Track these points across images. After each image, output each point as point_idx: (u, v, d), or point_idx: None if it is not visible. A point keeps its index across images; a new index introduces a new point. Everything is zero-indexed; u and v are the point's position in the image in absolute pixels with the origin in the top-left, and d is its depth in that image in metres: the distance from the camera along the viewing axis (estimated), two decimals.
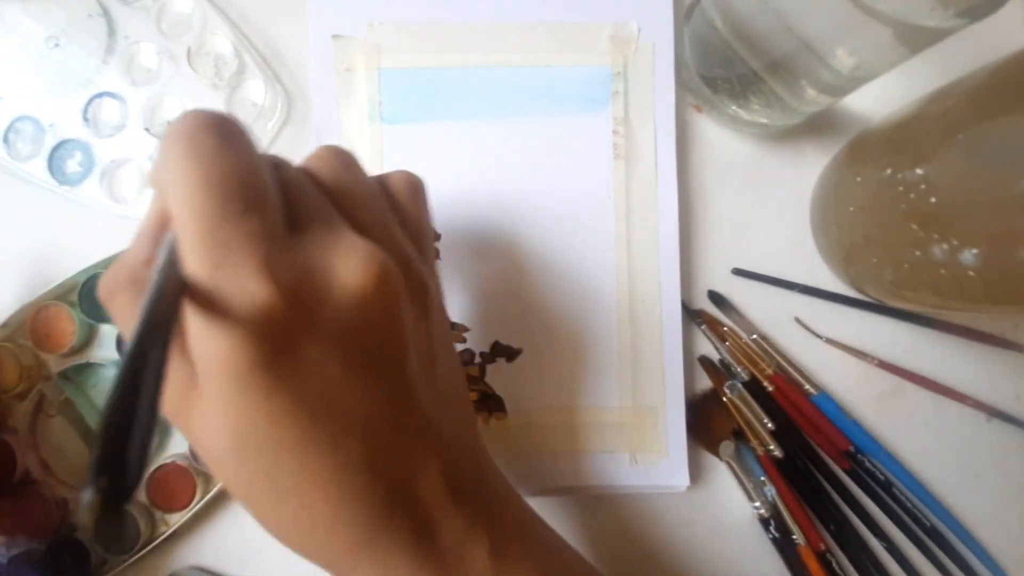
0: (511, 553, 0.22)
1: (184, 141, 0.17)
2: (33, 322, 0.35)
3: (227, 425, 0.18)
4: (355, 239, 0.19)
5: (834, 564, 0.35)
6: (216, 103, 0.36)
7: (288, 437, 0.18)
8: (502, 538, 0.22)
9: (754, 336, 0.37)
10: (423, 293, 0.22)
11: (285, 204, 0.19)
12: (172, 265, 0.17)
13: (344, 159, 0.22)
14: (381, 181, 0.25)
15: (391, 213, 0.23)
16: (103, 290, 0.19)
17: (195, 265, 0.17)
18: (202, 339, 0.17)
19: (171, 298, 0.16)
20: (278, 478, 0.19)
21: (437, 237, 0.36)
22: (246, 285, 0.17)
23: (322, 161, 0.22)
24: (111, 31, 0.36)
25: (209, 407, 0.18)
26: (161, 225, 0.20)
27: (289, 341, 0.17)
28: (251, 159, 0.18)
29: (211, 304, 0.17)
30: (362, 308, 0.19)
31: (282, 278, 0.17)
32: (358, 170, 0.23)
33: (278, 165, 0.20)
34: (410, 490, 0.20)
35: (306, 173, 0.21)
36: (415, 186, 0.26)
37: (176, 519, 0.34)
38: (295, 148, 0.37)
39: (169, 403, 0.19)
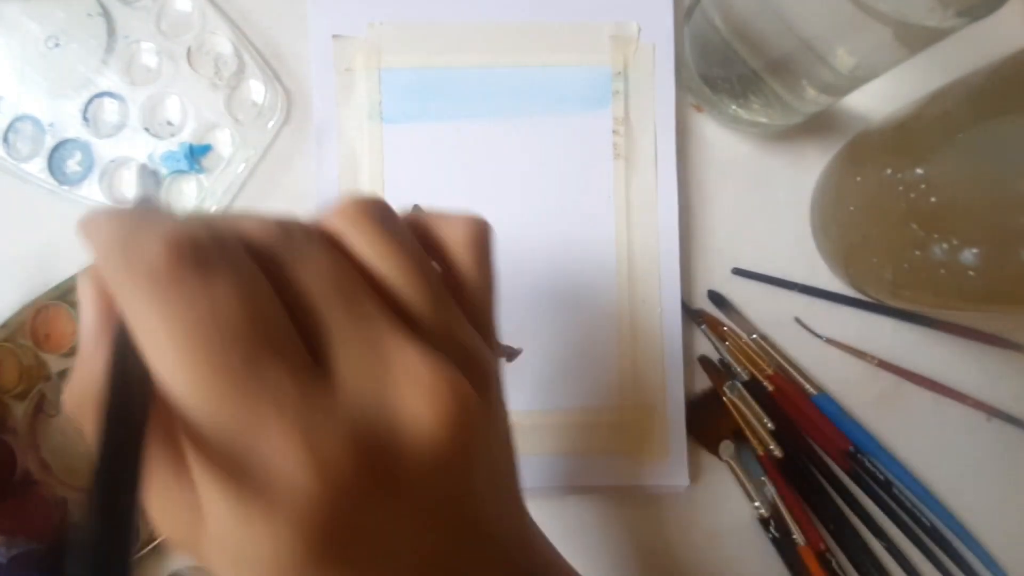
0: None
1: (153, 287, 0.13)
2: (33, 322, 0.35)
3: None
4: (413, 358, 0.15)
5: (834, 564, 0.35)
6: (216, 102, 0.36)
7: None
8: None
9: (754, 336, 0.37)
10: (487, 388, 0.17)
11: (308, 311, 0.15)
12: (130, 363, 0.13)
13: (380, 219, 0.16)
14: (434, 235, 0.19)
15: (446, 289, 0.18)
16: (71, 409, 0.16)
17: (203, 424, 0.13)
18: (225, 518, 0.13)
19: (138, 404, 0.13)
20: None
21: None
22: (281, 463, 0.13)
23: (352, 225, 0.16)
24: (111, 31, 0.36)
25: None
26: (106, 318, 0.15)
27: (348, 519, 0.14)
28: (246, 286, 0.14)
29: (232, 474, 0.13)
30: (435, 457, 0.15)
31: (328, 447, 0.13)
32: (400, 233, 0.17)
33: (280, 257, 0.15)
34: None
35: (329, 252, 0.16)
36: (481, 241, 0.19)
37: None
38: (295, 148, 0.37)
39: (175, 533, 0.15)
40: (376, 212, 0.17)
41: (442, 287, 0.17)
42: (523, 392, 0.35)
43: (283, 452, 0.13)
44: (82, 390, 0.15)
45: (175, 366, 0.13)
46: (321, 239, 0.16)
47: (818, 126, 0.38)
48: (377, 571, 0.15)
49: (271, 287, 0.14)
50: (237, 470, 0.13)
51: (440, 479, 0.15)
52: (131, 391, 0.13)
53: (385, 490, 0.14)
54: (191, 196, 0.36)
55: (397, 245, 0.16)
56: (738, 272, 0.38)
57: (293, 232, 0.16)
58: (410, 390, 0.14)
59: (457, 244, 0.19)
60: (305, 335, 0.14)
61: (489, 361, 0.18)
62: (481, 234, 0.19)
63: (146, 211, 0.15)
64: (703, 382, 0.38)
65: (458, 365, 0.15)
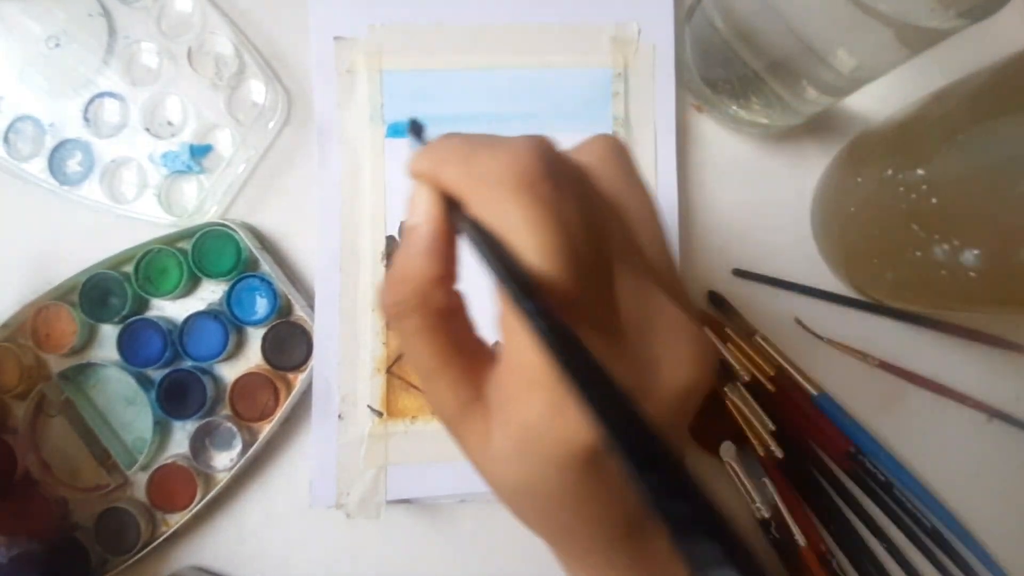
0: None
1: (527, 192, 0.15)
2: (34, 322, 0.35)
3: (525, 477, 0.16)
4: (683, 320, 0.17)
5: (835, 565, 0.35)
6: (216, 103, 0.36)
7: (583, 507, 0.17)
8: None
9: (754, 337, 0.37)
10: None
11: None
12: (503, 257, 0.15)
13: (626, 165, 0.19)
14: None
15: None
16: (389, 310, 0.18)
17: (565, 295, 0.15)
18: (541, 419, 0.15)
19: (531, 288, 0.14)
20: (554, 516, 0.18)
21: None
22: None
23: (608, 167, 0.18)
24: (111, 31, 0.36)
25: (509, 453, 0.17)
26: (448, 241, 0.17)
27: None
28: (581, 198, 0.16)
29: (598, 329, 0.15)
30: (682, 402, 0.17)
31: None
32: (641, 181, 0.19)
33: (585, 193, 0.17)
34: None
35: (600, 196, 0.17)
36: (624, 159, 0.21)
37: (176, 519, 0.34)
38: (295, 148, 0.37)
39: (447, 410, 0.18)
40: (622, 154, 0.19)
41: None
42: None
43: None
44: (408, 295, 0.17)
45: (547, 253, 0.15)
46: (587, 173, 0.18)
47: (819, 127, 0.38)
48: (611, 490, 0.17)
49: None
50: (602, 329, 0.16)
51: (673, 415, 0.17)
52: (520, 278, 0.14)
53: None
54: (191, 196, 0.36)
55: (642, 189, 0.19)
56: (738, 273, 0.38)
57: (579, 167, 0.18)
58: (681, 351, 0.17)
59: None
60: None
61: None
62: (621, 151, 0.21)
63: (475, 135, 0.18)
64: None
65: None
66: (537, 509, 0.18)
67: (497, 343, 0.18)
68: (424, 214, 0.17)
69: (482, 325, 0.20)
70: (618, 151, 0.19)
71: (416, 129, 0.21)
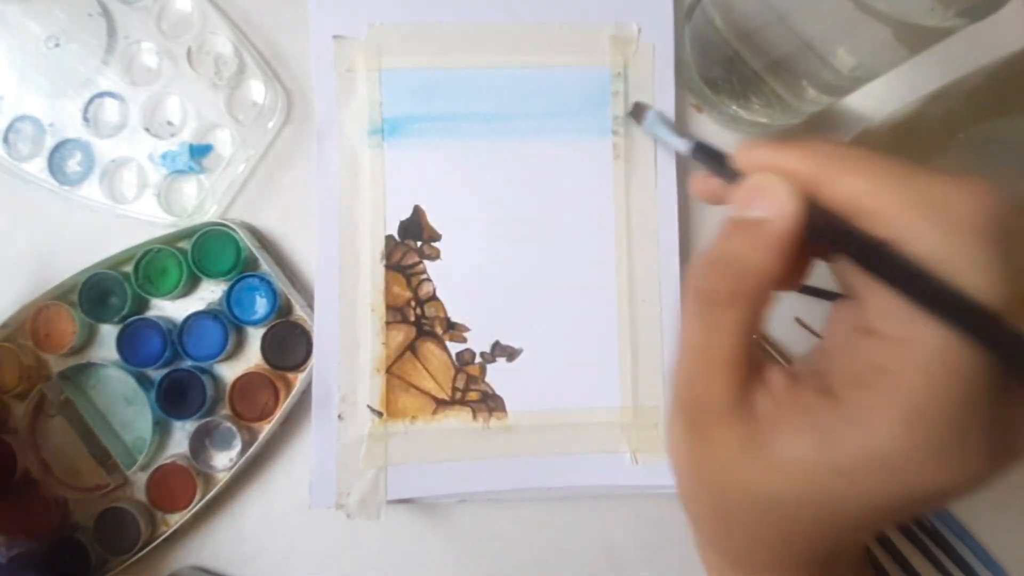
0: None
1: (997, 241, 0.15)
2: (33, 322, 0.35)
3: (818, 496, 0.16)
4: None
5: None
6: (216, 103, 0.36)
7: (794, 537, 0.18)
8: None
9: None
10: None
11: None
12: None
13: None
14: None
15: None
16: (706, 293, 0.18)
17: None
18: (907, 453, 0.15)
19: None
20: (744, 544, 0.19)
21: (438, 237, 0.36)
22: (971, 456, 0.15)
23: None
24: (111, 31, 0.36)
25: (811, 468, 0.16)
26: (797, 236, 0.17)
27: None
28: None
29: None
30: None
31: (1000, 454, 0.15)
32: None
33: None
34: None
35: None
36: None
37: (176, 519, 0.34)
38: (295, 148, 0.37)
39: (712, 404, 0.18)
40: None
41: None
42: (523, 392, 0.35)
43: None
44: (746, 282, 0.17)
45: (996, 300, 0.14)
46: None
47: (819, 126, 0.38)
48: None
49: None
50: None
51: None
52: (958, 301, 0.14)
53: None
54: (191, 196, 0.36)
55: None
56: None
57: None
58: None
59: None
60: None
61: None
62: None
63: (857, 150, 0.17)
64: None
65: None
66: (775, 522, 0.17)
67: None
68: (781, 210, 0.16)
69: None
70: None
71: (639, 113, 0.22)
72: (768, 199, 0.17)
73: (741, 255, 0.17)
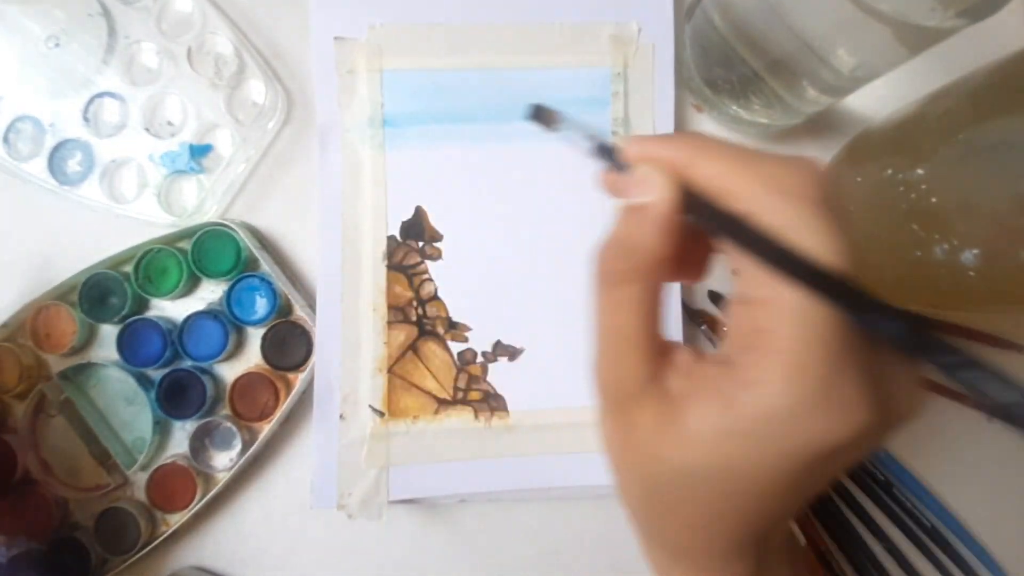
0: None
1: (823, 205, 0.17)
2: (33, 322, 0.35)
3: (735, 462, 0.17)
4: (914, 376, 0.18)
5: (834, 564, 0.35)
6: (216, 103, 0.36)
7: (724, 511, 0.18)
8: None
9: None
10: None
11: None
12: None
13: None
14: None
15: None
16: (606, 275, 0.20)
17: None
18: (795, 408, 0.16)
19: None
20: (672, 521, 0.19)
21: (440, 237, 0.36)
22: (849, 405, 0.16)
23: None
24: (111, 31, 0.36)
25: (721, 435, 0.17)
26: (676, 217, 0.19)
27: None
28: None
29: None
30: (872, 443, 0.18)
31: (876, 404, 0.16)
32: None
33: None
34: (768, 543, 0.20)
35: None
36: None
37: (176, 519, 0.34)
38: (295, 148, 0.37)
39: (626, 383, 0.19)
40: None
41: None
42: (524, 392, 0.35)
43: (852, 398, 0.16)
44: (636, 258, 0.19)
45: (836, 256, 0.16)
46: None
47: (818, 126, 0.38)
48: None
49: None
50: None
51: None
52: (807, 265, 0.16)
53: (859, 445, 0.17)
54: (191, 196, 0.36)
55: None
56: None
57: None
58: (914, 394, 0.18)
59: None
60: None
61: None
62: None
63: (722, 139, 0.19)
64: None
65: None
66: (689, 499, 0.18)
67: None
68: (660, 195, 0.18)
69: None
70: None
71: (540, 115, 0.23)
72: (650, 186, 0.19)
73: (631, 236, 0.19)
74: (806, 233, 0.16)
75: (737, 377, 0.17)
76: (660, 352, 0.19)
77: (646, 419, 0.18)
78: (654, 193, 0.19)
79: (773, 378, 0.16)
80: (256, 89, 0.37)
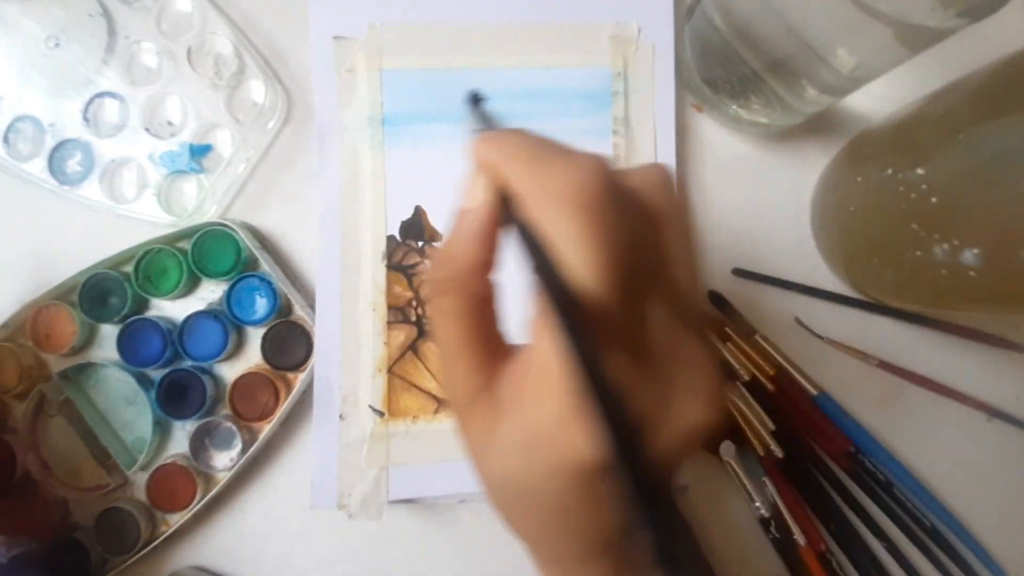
0: None
1: (586, 210, 0.15)
2: (33, 322, 0.35)
3: (524, 475, 0.17)
4: (704, 357, 0.17)
5: (834, 564, 0.35)
6: (216, 103, 0.36)
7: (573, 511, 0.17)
8: None
9: (754, 336, 0.37)
10: None
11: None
12: (542, 258, 0.16)
13: (673, 195, 0.18)
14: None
15: None
16: (431, 286, 0.19)
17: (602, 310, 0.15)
18: (553, 424, 0.16)
19: (564, 291, 0.15)
20: (540, 518, 0.19)
21: (439, 237, 0.36)
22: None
23: (657, 196, 0.18)
24: (111, 31, 0.36)
25: (513, 449, 0.17)
26: (496, 232, 0.18)
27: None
28: (633, 220, 0.16)
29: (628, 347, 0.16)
30: (690, 438, 0.17)
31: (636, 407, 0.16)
32: (686, 214, 0.19)
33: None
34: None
35: (647, 223, 0.17)
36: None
37: (176, 519, 0.34)
38: (295, 148, 0.37)
39: (458, 393, 0.18)
40: (673, 184, 0.19)
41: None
42: None
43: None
44: (449, 276, 0.18)
45: (594, 271, 0.15)
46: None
47: (819, 126, 0.38)
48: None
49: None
50: (631, 351, 0.16)
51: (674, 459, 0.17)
52: (560, 289, 0.15)
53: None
54: (191, 196, 0.36)
55: (689, 226, 0.19)
56: (738, 272, 0.38)
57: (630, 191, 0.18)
58: (699, 400, 0.17)
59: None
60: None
61: None
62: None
63: (544, 138, 0.18)
64: None
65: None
66: (525, 508, 0.18)
67: (519, 343, 0.18)
68: (479, 202, 0.18)
69: (508, 320, 0.20)
70: (669, 181, 0.19)
71: (476, 101, 0.22)
72: (472, 191, 0.18)
73: (452, 245, 0.18)
74: (569, 245, 0.15)
75: (519, 390, 0.17)
76: (499, 358, 0.19)
77: (475, 428, 0.18)
78: (476, 199, 0.18)
79: (535, 395, 0.16)
80: (256, 89, 0.37)
